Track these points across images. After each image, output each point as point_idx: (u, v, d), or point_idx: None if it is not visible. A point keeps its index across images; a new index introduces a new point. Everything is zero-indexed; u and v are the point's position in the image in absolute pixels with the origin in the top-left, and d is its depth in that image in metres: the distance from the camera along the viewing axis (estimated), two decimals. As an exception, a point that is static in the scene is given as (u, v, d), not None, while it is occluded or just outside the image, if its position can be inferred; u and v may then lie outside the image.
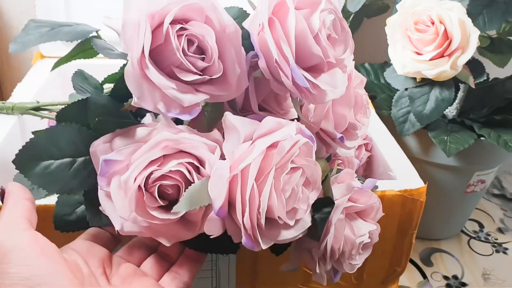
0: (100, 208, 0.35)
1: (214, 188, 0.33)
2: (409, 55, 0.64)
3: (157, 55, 0.34)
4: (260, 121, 0.39)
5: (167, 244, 0.34)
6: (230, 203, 0.34)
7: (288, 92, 0.38)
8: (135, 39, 0.33)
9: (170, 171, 0.33)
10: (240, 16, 0.44)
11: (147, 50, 0.33)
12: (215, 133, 0.36)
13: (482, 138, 0.66)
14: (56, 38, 0.40)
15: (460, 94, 0.69)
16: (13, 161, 0.35)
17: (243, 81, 0.37)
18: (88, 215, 0.37)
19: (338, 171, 0.43)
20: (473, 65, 0.64)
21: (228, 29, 0.35)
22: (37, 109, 0.53)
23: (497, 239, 0.83)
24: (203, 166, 0.34)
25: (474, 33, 0.61)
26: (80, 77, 0.48)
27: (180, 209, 0.32)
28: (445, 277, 0.74)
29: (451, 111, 0.72)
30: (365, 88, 0.47)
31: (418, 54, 0.64)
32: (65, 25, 0.42)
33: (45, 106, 0.52)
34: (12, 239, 0.29)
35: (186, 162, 0.34)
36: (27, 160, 0.35)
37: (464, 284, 0.73)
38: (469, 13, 0.61)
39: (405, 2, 0.64)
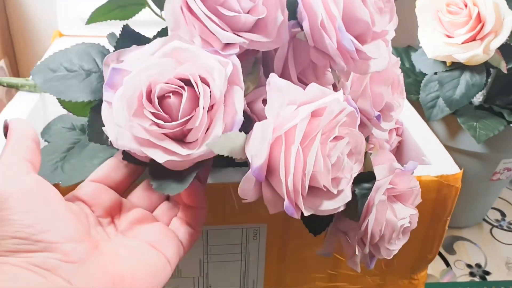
0: (104, 128, 0.33)
1: (255, 145, 0.31)
2: (440, 37, 0.62)
3: None
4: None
5: (161, 161, 0.31)
6: (269, 169, 0.32)
7: (328, 63, 0.37)
8: None
9: (176, 77, 0.32)
10: None
11: None
12: (233, 57, 0.34)
13: (511, 124, 0.65)
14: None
15: (489, 79, 0.68)
16: (32, 72, 0.37)
17: (283, 33, 0.36)
18: (88, 130, 0.36)
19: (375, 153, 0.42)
20: (505, 50, 0.62)
21: None
22: None
23: (519, 228, 0.82)
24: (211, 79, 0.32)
25: (509, 16, 0.59)
26: (114, 37, 0.47)
27: (213, 148, 0.31)
28: (468, 266, 0.73)
29: (477, 97, 0.71)
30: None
31: (449, 37, 0.62)
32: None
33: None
34: (13, 183, 0.27)
35: (194, 72, 0.32)
36: (43, 70, 0.37)
37: (487, 273, 0.72)
38: (504, -5, 0.60)
39: (437, -17, 0.62)
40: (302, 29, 0.36)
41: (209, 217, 0.38)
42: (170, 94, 0.31)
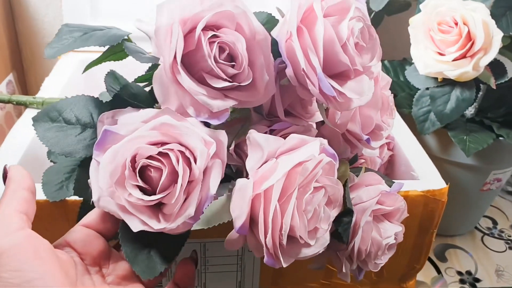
0: (88, 181, 0.35)
1: (236, 207, 0.34)
2: (432, 55, 0.64)
3: (188, 60, 0.35)
4: (286, 127, 0.40)
5: (135, 230, 0.33)
6: (252, 219, 0.35)
7: (314, 97, 0.39)
8: (167, 44, 0.34)
9: (159, 152, 0.33)
10: (269, 21, 0.45)
11: (179, 56, 0.34)
12: (221, 133, 0.36)
13: (500, 138, 0.67)
14: (89, 44, 0.41)
15: (480, 93, 0.70)
16: (33, 118, 0.39)
17: (270, 88, 0.38)
18: (75, 184, 0.38)
19: (366, 170, 0.44)
20: (495, 66, 0.65)
21: (258, 36, 0.37)
22: None
23: (510, 236, 0.84)
24: (195, 159, 0.34)
25: (497, 35, 0.61)
26: (111, 77, 0.49)
27: (199, 226, 0.33)
28: (459, 273, 0.75)
29: (469, 110, 0.73)
30: (385, 86, 0.48)
31: (441, 54, 0.64)
32: (97, 29, 0.43)
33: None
34: (5, 240, 0.28)
35: (177, 150, 0.34)
36: (43, 118, 0.39)
37: (477, 280, 0.74)
38: (493, 15, 0.62)
39: (429, 2, 0.64)
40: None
41: (206, 230, 0.40)
42: (152, 169, 0.33)
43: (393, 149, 0.59)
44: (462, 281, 0.74)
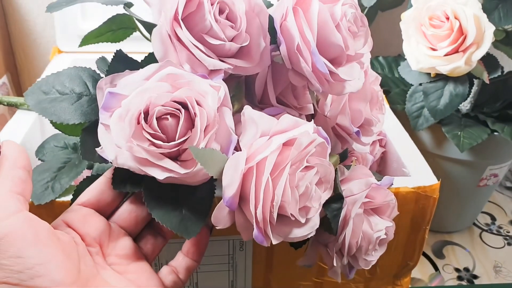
0: (97, 149, 0.35)
1: (228, 175, 0.33)
2: (424, 50, 0.64)
3: (187, 23, 0.35)
4: (278, 114, 0.40)
5: (160, 178, 0.32)
6: (242, 197, 0.34)
7: (306, 84, 0.39)
8: (169, 0, 0.34)
9: (172, 99, 0.33)
10: (266, 6, 0.45)
11: (181, 9, 0.34)
12: (221, 82, 0.35)
13: (495, 133, 0.67)
14: (93, 1, 0.41)
15: (475, 88, 0.69)
16: (25, 93, 0.39)
17: (266, 57, 0.38)
18: (81, 149, 0.37)
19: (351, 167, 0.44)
20: (488, 60, 0.64)
21: (257, 7, 0.37)
22: None
23: (508, 232, 0.83)
24: (205, 102, 0.34)
25: (489, 29, 0.61)
26: (103, 62, 0.48)
27: (195, 154, 0.32)
28: (457, 270, 0.75)
29: (464, 105, 0.73)
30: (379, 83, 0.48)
31: (433, 49, 0.64)
32: None
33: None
34: (2, 225, 0.27)
35: (189, 95, 0.33)
36: (36, 92, 0.39)
37: (475, 277, 0.74)
38: (484, 8, 0.61)
39: (420, -3, 0.64)
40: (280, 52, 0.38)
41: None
42: (168, 116, 0.33)
43: (385, 146, 0.59)
44: (459, 278, 0.73)
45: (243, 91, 0.41)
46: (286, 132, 0.35)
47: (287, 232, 0.34)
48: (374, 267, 0.54)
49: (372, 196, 0.41)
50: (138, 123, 0.33)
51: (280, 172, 0.33)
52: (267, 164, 0.32)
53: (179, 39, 0.35)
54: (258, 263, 0.50)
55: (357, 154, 0.53)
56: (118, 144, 0.33)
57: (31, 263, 0.27)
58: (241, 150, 0.35)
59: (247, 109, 0.35)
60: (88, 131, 0.38)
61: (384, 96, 0.56)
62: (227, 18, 0.36)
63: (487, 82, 0.63)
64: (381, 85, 0.48)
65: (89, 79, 0.41)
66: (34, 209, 0.41)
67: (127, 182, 0.36)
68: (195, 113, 0.33)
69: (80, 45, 0.46)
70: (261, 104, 0.42)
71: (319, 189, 0.36)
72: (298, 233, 0.34)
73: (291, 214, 0.34)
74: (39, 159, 0.49)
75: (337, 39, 0.36)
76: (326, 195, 0.37)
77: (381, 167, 0.59)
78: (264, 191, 0.32)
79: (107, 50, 0.44)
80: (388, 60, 0.80)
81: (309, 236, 0.35)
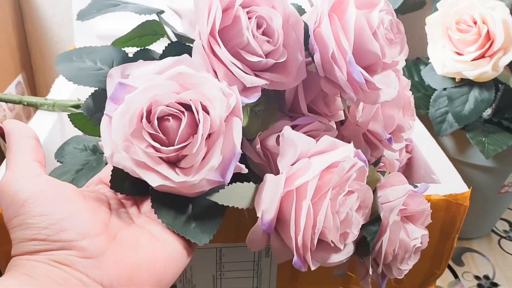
0: (99, 142, 0.33)
1: (267, 199, 0.32)
2: (450, 55, 0.63)
3: (223, 37, 0.34)
4: (310, 123, 0.39)
5: (154, 185, 0.31)
6: (279, 219, 0.33)
7: (338, 92, 0.38)
8: (205, 15, 0.33)
9: (177, 101, 0.31)
10: (299, 13, 0.44)
11: (217, 26, 0.33)
12: (235, 89, 0.33)
13: (520, 139, 0.66)
14: (127, 10, 0.41)
15: (498, 94, 0.69)
16: (57, 56, 0.41)
17: (302, 71, 0.37)
18: (86, 111, 0.38)
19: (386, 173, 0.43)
20: (514, 66, 0.63)
21: (292, 19, 0.36)
22: (77, 106, 0.53)
23: (527, 239, 0.82)
24: (211, 108, 0.32)
25: (518, 34, 0.60)
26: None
27: (216, 199, 0.31)
28: (477, 277, 0.74)
29: (486, 111, 0.72)
30: (399, 87, 0.47)
31: (459, 54, 0.63)
32: (129, 2, 0.43)
33: (84, 103, 0.52)
34: (27, 188, 0.28)
35: (195, 98, 0.31)
36: (66, 58, 0.40)
37: (495, 285, 0.73)
38: (513, 13, 0.60)
39: (446, 1, 0.63)
40: (313, 60, 0.37)
41: (222, 235, 0.39)
42: (170, 118, 0.31)
43: (412, 152, 0.58)
44: (480, 286, 0.72)
45: (275, 105, 0.40)
46: (326, 154, 0.34)
47: (326, 257, 0.34)
48: (400, 275, 0.53)
49: (407, 203, 0.40)
50: (140, 121, 0.31)
51: (322, 197, 0.32)
52: (309, 189, 0.32)
53: (216, 55, 0.34)
54: (283, 270, 0.50)
55: (384, 160, 0.52)
56: (116, 141, 0.31)
57: (55, 219, 0.28)
58: (279, 172, 0.34)
59: (287, 130, 0.34)
60: (95, 98, 0.38)
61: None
62: (264, 33, 0.35)
63: (514, 88, 0.62)
64: (411, 92, 0.48)
65: (118, 60, 0.41)
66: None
67: (125, 182, 0.34)
68: (198, 119, 0.31)
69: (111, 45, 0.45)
70: (291, 112, 0.41)
71: (357, 214, 0.35)
72: (335, 259, 0.34)
73: (331, 241, 0.33)
74: (58, 161, 0.48)
75: (375, 47, 0.35)
76: (363, 220, 0.36)
77: (406, 173, 0.58)
78: (306, 218, 0.32)
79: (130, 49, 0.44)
80: (408, 64, 0.79)
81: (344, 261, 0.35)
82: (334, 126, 0.44)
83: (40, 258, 0.27)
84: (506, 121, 0.69)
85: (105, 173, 0.35)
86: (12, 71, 0.79)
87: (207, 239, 0.32)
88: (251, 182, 0.34)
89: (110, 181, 0.34)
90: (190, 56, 0.34)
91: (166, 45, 0.38)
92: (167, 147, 0.31)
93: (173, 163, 0.32)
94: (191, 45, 0.35)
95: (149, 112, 0.31)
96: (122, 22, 0.71)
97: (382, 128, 0.43)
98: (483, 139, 0.64)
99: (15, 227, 0.28)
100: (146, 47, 0.41)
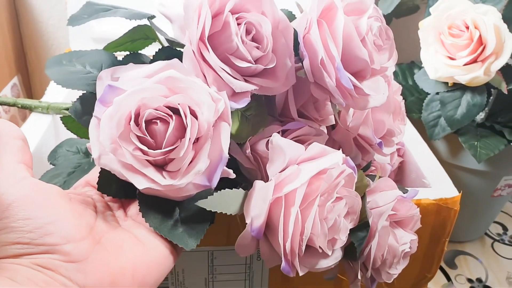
0: (87, 144, 0.33)
1: (256, 206, 0.33)
2: (442, 59, 0.63)
3: (212, 42, 0.35)
4: (300, 127, 0.40)
5: (140, 187, 0.31)
6: (268, 225, 0.34)
7: (328, 97, 0.39)
8: (195, 21, 0.33)
9: (165, 105, 0.31)
10: (289, 18, 0.44)
11: (207, 32, 0.33)
12: (224, 94, 0.33)
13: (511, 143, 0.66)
14: (117, 15, 0.41)
15: (490, 98, 0.69)
16: (47, 60, 0.41)
17: (291, 77, 0.37)
18: (74, 113, 0.38)
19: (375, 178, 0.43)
20: (506, 71, 0.64)
21: (281, 24, 0.36)
22: None
23: (521, 242, 0.83)
24: (199, 113, 0.32)
25: (509, 39, 0.60)
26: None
27: (204, 205, 0.31)
28: (469, 280, 0.74)
29: (479, 115, 0.72)
30: (393, 90, 0.47)
31: (451, 59, 0.63)
32: (120, 7, 0.43)
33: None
34: (12, 191, 0.28)
35: (183, 102, 0.32)
36: (56, 62, 0.41)
37: (488, 287, 0.73)
38: (505, 18, 0.61)
39: (439, 6, 0.63)
40: (303, 66, 0.38)
41: (214, 238, 0.39)
42: (158, 121, 0.31)
43: (403, 156, 0.58)
44: (472, 289, 0.73)
45: (266, 110, 0.40)
46: (315, 161, 0.34)
47: (314, 263, 0.34)
48: (391, 278, 0.53)
49: (396, 208, 0.40)
50: (128, 124, 0.31)
51: (310, 204, 0.32)
52: (297, 196, 0.32)
53: (205, 60, 0.34)
54: (275, 273, 0.50)
55: (375, 163, 0.52)
56: (104, 143, 0.31)
57: (40, 223, 0.28)
58: (262, 178, 0.34)
59: (275, 137, 0.34)
60: (84, 101, 0.38)
61: (403, 105, 0.55)
62: (253, 39, 0.35)
63: (506, 92, 0.62)
64: (401, 97, 0.48)
65: (106, 63, 0.41)
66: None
67: (113, 184, 0.34)
68: (186, 123, 0.31)
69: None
70: (281, 117, 0.42)
71: (346, 220, 0.35)
72: (323, 264, 0.34)
73: (319, 246, 0.33)
74: (50, 163, 0.48)
75: (363, 54, 0.36)
76: (351, 225, 0.36)
77: (398, 177, 0.59)
78: (294, 224, 0.32)
79: (120, 52, 0.44)
80: (402, 68, 0.80)
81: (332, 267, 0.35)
82: (325, 130, 0.44)
83: (23, 261, 0.27)
84: (499, 125, 0.69)
85: (93, 175, 0.35)
86: (7, 73, 0.79)
87: (194, 244, 0.32)
88: (240, 189, 0.34)
89: (97, 183, 0.34)
90: (181, 61, 0.34)
91: (157, 50, 0.38)
92: (154, 150, 0.31)
93: (160, 166, 0.32)
94: (182, 50, 0.36)
95: (137, 115, 0.31)
96: (118, 25, 0.71)
97: (372, 132, 0.43)
98: (475, 143, 0.65)
99: None
100: (136, 51, 0.41)
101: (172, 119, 0.31)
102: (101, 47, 0.59)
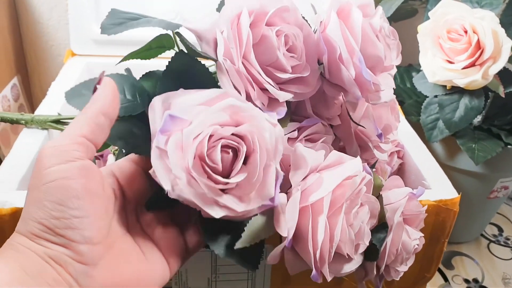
0: (150, 171, 0.33)
1: (290, 218, 0.33)
2: (440, 63, 0.64)
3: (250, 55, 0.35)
4: (314, 124, 0.41)
5: (217, 216, 0.31)
6: (294, 233, 0.34)
7: (339, 94, 0.40)
8: (236, 38, 0.34)
9: (233, 134, 0.32)
10: None
11: (250, 44, 0.34)
12: (275, 117, 0.35)
13: (509, 146, 0.67)
14: (152, 25, 0.39)
15: (488, 101, 0.70)
16: (65, 93, 0.41)
17: (318, 80, 0.38)
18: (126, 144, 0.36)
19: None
20: (503, 75, 0.65)
21: (305, 30, 0.37)
22: (57, 121, 0.51)
23: (516, 244, 0.84)
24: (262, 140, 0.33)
25: (507, 43, 0.61)
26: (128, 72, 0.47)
27: (242, 244, 0.32)
28: (466, 280, 0.75)
29: (477, 118, 0.73)
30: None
31: (450, 62, 0.64)
32: (147, 16, 0.42)
33: (66, 119, 0.50)
34: (54, 169, 0.28)
35: (249, 130, 0.32)
36: (75, 94, 0.41)
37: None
38: (502, 23, 0.62)
39: (437, 10, 0.64)
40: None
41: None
42: (229, 150, 0.32)
43: (403, 158, 0.59)
44: (469, 289, 0.74)
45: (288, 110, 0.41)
46: (334, 168, 0.35)
47: (339, 268, 0.35)
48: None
49: (405, 206, 0.41)
50: (201, 154, 0.31)
51: (336, 212, 0.33)
52: (324, 205, 0.33)
53: (252, 76, 0.35)
54: (277, 272, 0.50)
55: (376, 166, 0.53)
56: (177, 174, 0.30)
57: (69, 214, 0.28)
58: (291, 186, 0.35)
59: (299, 147, 0.35)
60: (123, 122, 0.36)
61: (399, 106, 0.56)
62: (288, 49, 0.36)
63: (503, 96, 0.63)
64: (395, 95, 0.49)
65: (130, 89, 0.40)
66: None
67: (162, 199, 0.34)
68: (253, 149, 0.32)
69: (122, 61, 0.44)
70: (294, 115, 0.42)
71: (367, 225, 0.36)
72: (347, 268, 0.35)
73: (347, 254, 0.34)
74: None
75: (379, 50, 0.37)
76: (370, 228, 0.37)
77: (398, 179, 0.59)
78: (323, 232, 0.33)
79: (120, 54, 0.44)
80: (400, 71, 0.81)
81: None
82: (331, 129, 0.45)
83: (38, 249, 0.27)
84: (496, 128, 0.70)
85: (120, 169, 0.34)
86: (7, 74, 0.79)
87: (257, 265, 0.34)
88: (257, 216, 0.34)
89: (148, 202, 0.35)
90: (195, 67, 0.35)
91: (172, 56, 0.37)
92: (223, 177, 0.31)
93: (222, 190, 0.33)
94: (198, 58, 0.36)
95: (208, 145, 0.31)
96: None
97: (374, 123, 0.44)
98: (473, 145, 0.66)
99: (32, 201, 0.28)
100: (150, 71, 0.41)
101: (243, 147, 0.32)
102: (102, 48, 0.59)
